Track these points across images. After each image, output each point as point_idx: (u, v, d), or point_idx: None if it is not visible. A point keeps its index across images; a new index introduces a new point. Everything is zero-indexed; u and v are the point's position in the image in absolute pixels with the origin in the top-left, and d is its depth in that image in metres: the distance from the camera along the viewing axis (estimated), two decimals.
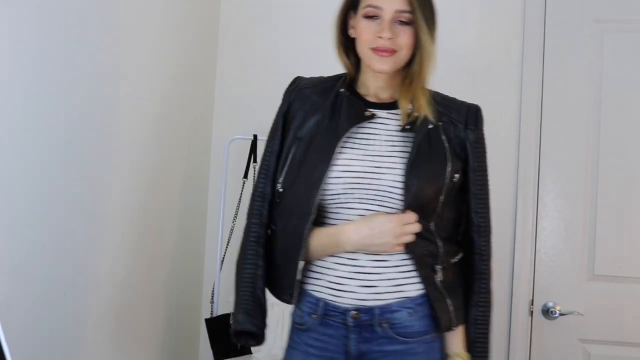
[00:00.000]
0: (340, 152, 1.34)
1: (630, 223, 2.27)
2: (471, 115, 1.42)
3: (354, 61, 1.44)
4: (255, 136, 2.22)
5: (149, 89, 1.88)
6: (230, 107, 2.48)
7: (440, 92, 1.46)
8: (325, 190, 1.34)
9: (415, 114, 1.37)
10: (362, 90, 1.43)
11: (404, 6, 1.32)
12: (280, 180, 1.38)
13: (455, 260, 1.42)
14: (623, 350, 2.24)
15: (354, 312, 1.33)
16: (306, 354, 1.37)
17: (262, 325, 1.40)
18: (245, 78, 2.48)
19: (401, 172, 1.32)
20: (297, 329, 1.41)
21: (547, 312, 2.27)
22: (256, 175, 1.48)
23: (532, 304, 2.29)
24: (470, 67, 2.38)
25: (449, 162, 1.36)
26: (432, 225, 1.36)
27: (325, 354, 1.35)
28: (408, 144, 1.36)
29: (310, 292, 1.38)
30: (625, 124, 2.30)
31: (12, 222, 1.29)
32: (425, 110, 1.36)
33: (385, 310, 1.33)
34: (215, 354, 2.11)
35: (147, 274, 1.94)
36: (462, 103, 1.44)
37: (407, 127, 1.36)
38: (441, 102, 1.42)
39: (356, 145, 1.36)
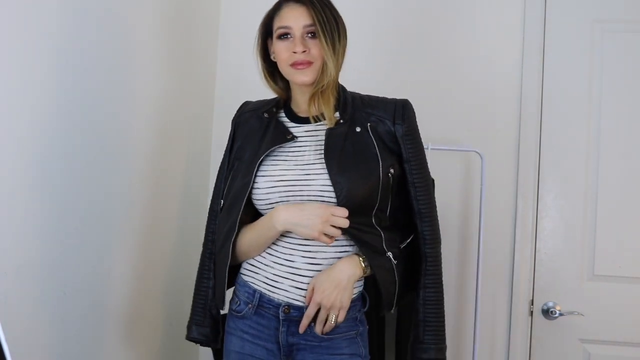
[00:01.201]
0: (269, 166, 1.48)
1: (630, 223, 2.27)
2: (398, 110, 1.52)
3: (284, 84, 1.58)
4: None
5: (148, 88, 1.88)
6: (230, 107, 2.47)
7: (367, 94, 1.58)
8: (262, 199, 1.47)
9: (341, 120, 1.49)
10: (295, 108, 1.57)
11: (309, 20, 1.46)
12: (223, 195, 1.58)
13: (402, 245, 1.53)
14: (623, 350, 2.24)
15: (285, 307, 1.45)
16: (242, 340, 1.49)
17: (212, 333, 1.59)
18: (245, 78, 2.48)
19: (324, 178, 1.43)
20: (233, 315, 1.52)
21: (547, 312, 2.27)
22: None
23: (532, 304, 2.30)
24: (470, 67, 2.38)
25: (380, 160, 1.47)
26: (373, 219, 1.47)
27: (258, 342, 1.48)
28: (340, 148, 1.47)
29: (249, 283, 1.50)
30: (625, 124, 2.30)
31: (12, 222, 1.29)
32: (329, 118, 1.48)
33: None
34: (215, 354, 2.11)
35: (147, 274, 1.94)
36: (389, 100, 1.55)
37: (330, 126, 1.49)
38: (368, 103, 1.53)
39: (288, 158, 1.49)
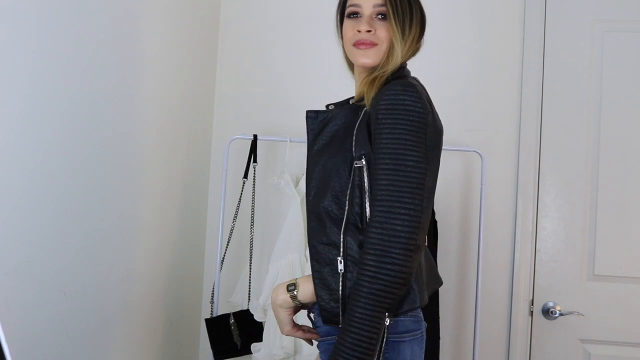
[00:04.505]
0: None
1: (630, 223, 2.27)
2: (380, 94, 1.26)
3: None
4: (255, 136, 2.22)
5: (149, 89, 1.88)
6: (230, 107, 2.48)
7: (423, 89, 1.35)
8: None
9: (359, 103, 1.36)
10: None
11: (380, 1, 1.35)
12: None
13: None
14: (623, 350, 2.24)
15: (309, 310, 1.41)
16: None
17: None
18: (245, 78, 2.48)
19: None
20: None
21: (547, 312, 2.27)
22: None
23: (532, 304, 2.30)
24: (470, 67, 2.38)
25: (353, 149, 1.28)
26: (345, 219, 1.27)
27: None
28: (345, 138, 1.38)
29: None
30: (625, 124, 2.30)
31: (12, 222, 1.29)
32: (367, 102, 1.30)
33: (311, 309, 1.40)
34: (215, 354, 2.11)
35: (147, 273, 1.94)
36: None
37: (330, 106, 1.44)
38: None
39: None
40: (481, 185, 2.21)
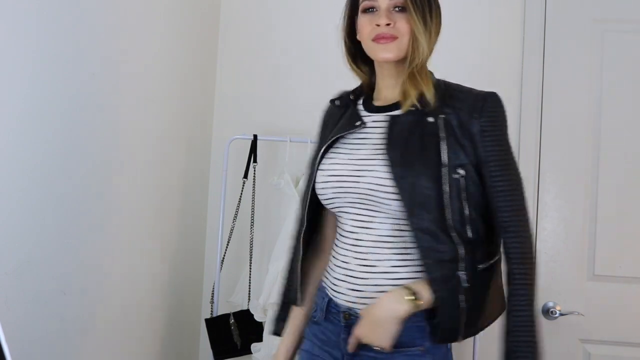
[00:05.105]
0: (328, 159, 1.38)
1: (630, 223, 2.27)
2: (478, 103, 1.30)
3: (368, 68, 1.44)
4: (255, 136, 2.22)
5: (149, 89, 1.88)
6: (230, 107, 2.48)
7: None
8: (320, 195, 1.39)
9: (412, 108, 1.32)
10: (377, 95, 1.42)
11: None
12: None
13: (483, 266, 1.29)
14: (623, 350, 2.24)
15: (346, 313, 1.33)
16: (312, 344, 1.41)
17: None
18: (245, 78, 2.48)
19: (379, 173, 1.28)
20: (310, 321, 1.44)
21: (547, 312, 2.27)
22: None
23: None
24: (470, 67, 2.38)
25: (447, 158, 1.27)
26: (448, 227, 1.25)
27: (326, 347, 1.37)
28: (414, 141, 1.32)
29: (323, 286, 1.42)
30: (625, 124, 2.30)
31: (12, 222, 1.29)
32: (431, 99, 1.30)
33: None
34: (215, 354, 2.11)
35: (147, 273, 1.94)
36: (471, 91, 1.35)
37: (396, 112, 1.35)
38: (449, 93, 1.34)
39: (345, 151, 1.37)
40: None
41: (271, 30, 2.48)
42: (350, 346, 1.30)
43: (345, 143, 1.38)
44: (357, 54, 1.43)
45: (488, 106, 1.30)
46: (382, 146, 1.30)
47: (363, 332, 1.27)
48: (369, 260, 1.31)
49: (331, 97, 1.49)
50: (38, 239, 1.37)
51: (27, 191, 1.33)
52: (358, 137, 1.37)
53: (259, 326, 2.11)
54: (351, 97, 1.44)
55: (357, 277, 1.32)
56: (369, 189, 1.29)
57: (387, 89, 1.39)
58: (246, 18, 2.50)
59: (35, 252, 1.37)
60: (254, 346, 2.07)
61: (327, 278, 1.40)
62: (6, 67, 1.25)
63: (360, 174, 1.31)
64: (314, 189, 1.39)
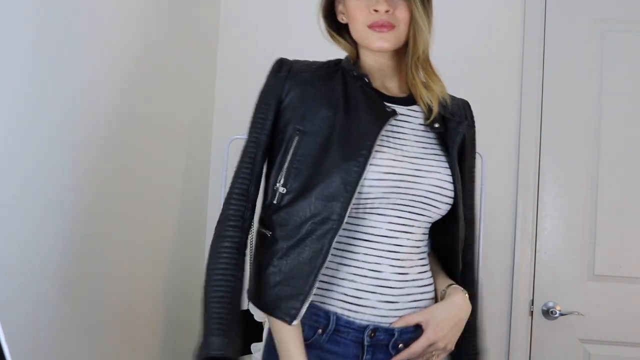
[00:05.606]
0: (377, 152, 1.17)
1: (630, 223, 2.27)
2: (469, 111, 1.34)
3: (352, 39, 1.30)
4: None
5: (148, 89, 1.88)
6: (230, 107, 2.48)
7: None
8: (365, 194, 1.16)
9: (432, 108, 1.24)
10: (372, 81, 1.26)
11: None
12: (281, 179, 1.18)
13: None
14: (623, 350, 2.24)
15: (372, 331, 1.16)
16: None
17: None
18: (245, 78, 2.48)
19: (441, 175, 1.21)
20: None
21: (547, 312, 2.27)
22: (235, 170, 1.27)
23: (532, 304, 2.30)
24: (471, 66, 2.38)
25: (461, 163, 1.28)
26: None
27: None
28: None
29: (317, 303, 1.17)
30: (625, 124, 2.30)
31: (12, 222, 1.29)
32: (435, 111, 1.23)
33: (405, 330, 1.19)
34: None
35: (147, 273, 1.94)
36: (454, 97, 1.33)
37: (436, 125, 1.25)
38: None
39: (391, 145, 1.20)
40: (481, 185, 2.21)
41: (271, 31, 2.48)
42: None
43: (384, 135, 1.20)
44: (341, 28, 1.31)
45: (472, 115, 1.34)
46: (429, 149, 1.24)
47: (441, 336, 1.17)
48: (404, 267, 1.19)
49: (294, 63, 1.27)
50: (38, 239, 1.37)
51: (27, 191, 1.33)
52: (393, 131, 1.22)
53: (259, 326, 2.11)
54: (354, 73, 1.25)
55: (392, 287, 1.17)
56: (428, 190, 1.19)
57: (384, 79, 1.29)
58: (246, 18, 2.50)
59: (35, 252, 1.37)
60: (254, 346, 2.06)
61: (329, 291, 1.18)
62: (6, 67, 1.25)
63: (420, 174, 1.19)
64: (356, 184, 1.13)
